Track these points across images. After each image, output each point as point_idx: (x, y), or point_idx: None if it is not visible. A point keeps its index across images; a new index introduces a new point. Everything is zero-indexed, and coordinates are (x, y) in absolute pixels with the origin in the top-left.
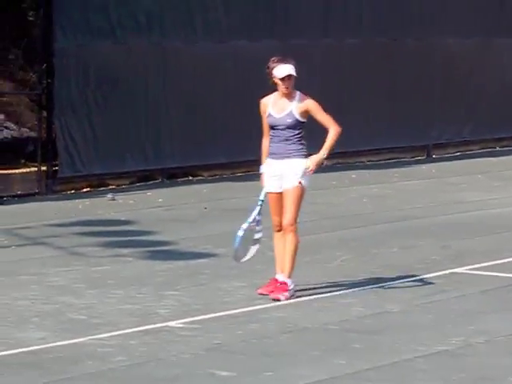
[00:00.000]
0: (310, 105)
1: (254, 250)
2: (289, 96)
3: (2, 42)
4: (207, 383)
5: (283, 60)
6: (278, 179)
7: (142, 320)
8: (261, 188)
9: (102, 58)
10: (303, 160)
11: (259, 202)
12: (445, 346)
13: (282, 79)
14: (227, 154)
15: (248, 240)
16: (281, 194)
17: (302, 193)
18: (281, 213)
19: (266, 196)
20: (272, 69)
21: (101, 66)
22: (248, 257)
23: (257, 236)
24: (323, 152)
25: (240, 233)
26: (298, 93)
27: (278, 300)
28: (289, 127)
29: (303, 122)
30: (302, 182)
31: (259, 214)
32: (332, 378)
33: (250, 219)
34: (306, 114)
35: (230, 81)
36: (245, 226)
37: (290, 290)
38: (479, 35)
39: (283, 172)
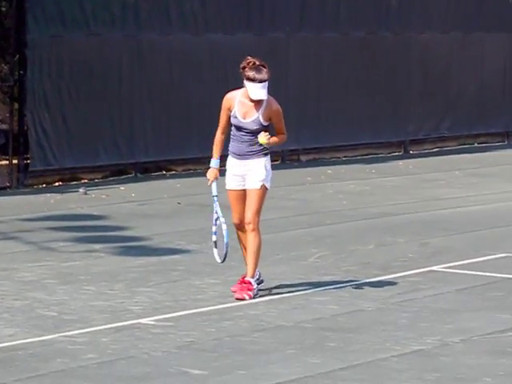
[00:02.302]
0: (274, 112)
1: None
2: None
3: None
4: (179, 381)
5: (258, 70)
6: (240, 178)
7: (113, 317)
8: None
9: (75, 50)
10: (268, 159)
11: (215, 199)
12: (420, 345)
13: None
14: (201, 149)
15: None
16: (242, 191)
17: (264, 193)
18: (241, 210)
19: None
20: (247, 77)
21: (74, 58)
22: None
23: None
24: (272, 139)
25: (224, 226)
26: (279, 109)
27: (243, 299)
28: (253, 132)
29: (268, 126)
30: (267, 184)
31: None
32: (306, 377)
33: (219, 214)
34: (270, 119)
35: (205, 74)
36: (222, 219)
37: (254, 290)
38: (458, 30)
39: (246, 172)
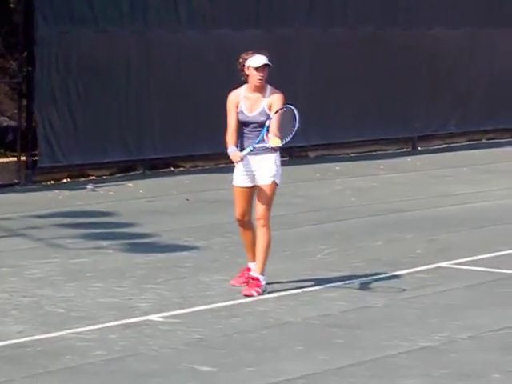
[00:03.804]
0: (276, 98)
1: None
2: (260, 90)
3: None
4: (187, 378)
5: (257, 52)
6: (249, 175)
7: (121, 314)
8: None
9: (83, 47)
10: (278, 156)
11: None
12: (429, 341)
13: (257, 69)
14: (210, 145)
15: None
16: (249, 188)
17: (274, 189)
18: (244, 207)
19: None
20: (245, 60)
21: (82, 55)
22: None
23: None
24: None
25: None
26: (268, 87)
27: (251, 296)
28: (262, 125)
29: None
30: (278, 180)
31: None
32: (314, 374)
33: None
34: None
35: (213, 71)
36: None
37: (262, 286)
38: (467, 26)
39: (257, 168)
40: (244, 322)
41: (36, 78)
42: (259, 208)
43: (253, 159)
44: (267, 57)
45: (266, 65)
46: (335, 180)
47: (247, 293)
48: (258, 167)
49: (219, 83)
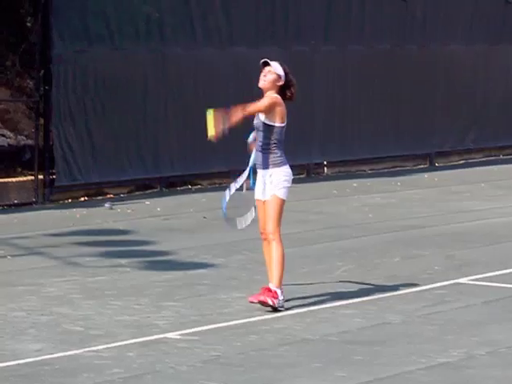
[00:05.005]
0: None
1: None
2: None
3: None
4: None
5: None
6: (261, 188)
7: (139, 331)
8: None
9: (100, 65)
10: (278, 170)
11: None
12: (447, 357)
13: (261, 68)
14: (227, 163)
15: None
16: (263, 201)
17: (279, 203)
18: (262, 220)
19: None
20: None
21: (99, 73)
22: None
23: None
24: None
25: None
26: (271, 93)
27: (266, 303)
28: (258, 129)
29: (272, 126)
30: (278, 194)
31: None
32: None
33: (237, 185)
34: (268, 110)
35: (230, 88)
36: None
37: (278, 299)
38: (482, 42)
39: (263, 182)
40: (262, 339)
41: (53, 97)
42: (266, 223)
43: (261, 173)
44: (281, 65)
45: (266, 64)
46: (353, 197)
47: (262, 299)
48: (264, 181)
49: (235, 100)
